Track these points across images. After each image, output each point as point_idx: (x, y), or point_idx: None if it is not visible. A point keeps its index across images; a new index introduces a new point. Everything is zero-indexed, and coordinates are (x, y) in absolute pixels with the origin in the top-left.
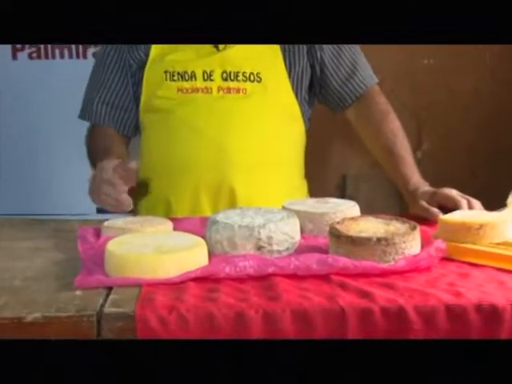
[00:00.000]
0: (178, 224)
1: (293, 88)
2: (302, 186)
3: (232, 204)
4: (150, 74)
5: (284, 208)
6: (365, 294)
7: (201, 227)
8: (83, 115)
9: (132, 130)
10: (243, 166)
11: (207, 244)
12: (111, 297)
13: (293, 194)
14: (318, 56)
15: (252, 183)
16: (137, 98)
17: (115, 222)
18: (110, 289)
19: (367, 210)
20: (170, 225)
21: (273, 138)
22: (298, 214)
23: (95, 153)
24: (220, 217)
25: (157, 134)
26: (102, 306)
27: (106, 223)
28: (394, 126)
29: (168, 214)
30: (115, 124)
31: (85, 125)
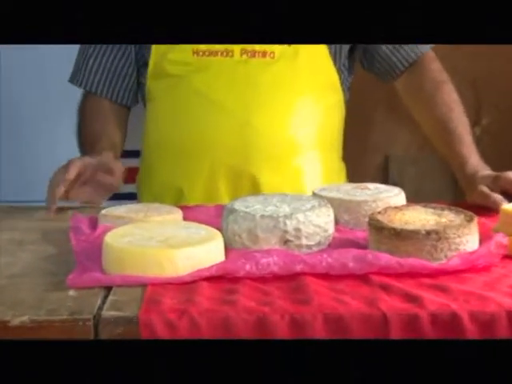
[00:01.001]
0: (189, 213)
1: (330, 52)
2: (340, 170)
3: (255, 193)
4: None
5: (315, 195)
6: (411, 298)
7: (216, 217)
8: (74, 79)
9: (132, 98)
10: (270, 147)
11: (223, 237)
12: (110, 298)
13: (329, 180)
14: None
15: (280, 168)
16: (139, 59)
17: (115, 209)
18: (108, 289)
19: (415, 197)
20: (179, 214)
21: (306, 113)
22: (332, 202)
23: (85, 136)
24: (239, 205)
25: (166, 106)
26: (100, 308)
27: (103, 211)
28: (451, 99)
29: (178, 203)
30: (112, 93)
31: (76, 100)
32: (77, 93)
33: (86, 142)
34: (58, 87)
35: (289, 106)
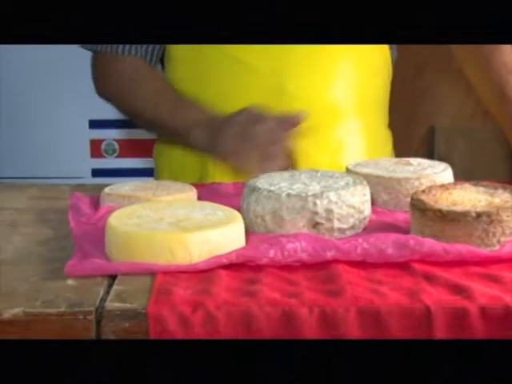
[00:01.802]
0: (205, 191)
1: None
2: (386, 139)
3: (292, 168)
4: None
5: (348, 171)
6: (459, 290)
7: (235, 196)
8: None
9: (158, 59)
10: (309, 117)
11: (244, 219)
12: (115, 288)
13: (374, 151)
14: None
15: (319, 140)
16: None
17: (120, 187)
18: (113, 278)
19: (464, 174)
20: (193, 192)
21: (349, 77)
22: (369, 179)
23: (145, 98)
24: (262, 182)
25: (188, 67)
26: (103, 300)
27: (107, 189)
28: (510, 59)
29: (202, 181)
30: (141, 52)
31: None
32: (72, 68)
33: (164, 102)
34: (51, 63)
35: (328, 69)
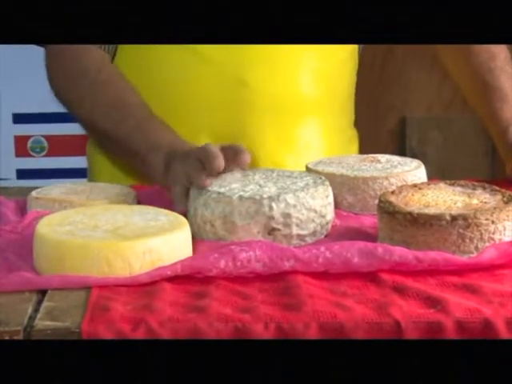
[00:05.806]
0: (146, 194)
1: None
2: (353, 138)
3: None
4: None
5: (309, 170)
6: (432, 302)
7: None
8: None
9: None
10: (269, 112)
11: (191, 225)
12: (45, 304)
13: (340, 151)
14: None
15: (282, 139)
16: None
17: (50, 190)
18: (42, 293)
19: (439, 172)
20: (133, 196)
21: (313, 69)
22: (332, 179)
23: (98, 112)
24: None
25: (133, 55)
26: (32, 318)
27: (34, 192)
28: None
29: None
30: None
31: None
32: None
33: (116, 121)
34: None
35: (291, 60)
